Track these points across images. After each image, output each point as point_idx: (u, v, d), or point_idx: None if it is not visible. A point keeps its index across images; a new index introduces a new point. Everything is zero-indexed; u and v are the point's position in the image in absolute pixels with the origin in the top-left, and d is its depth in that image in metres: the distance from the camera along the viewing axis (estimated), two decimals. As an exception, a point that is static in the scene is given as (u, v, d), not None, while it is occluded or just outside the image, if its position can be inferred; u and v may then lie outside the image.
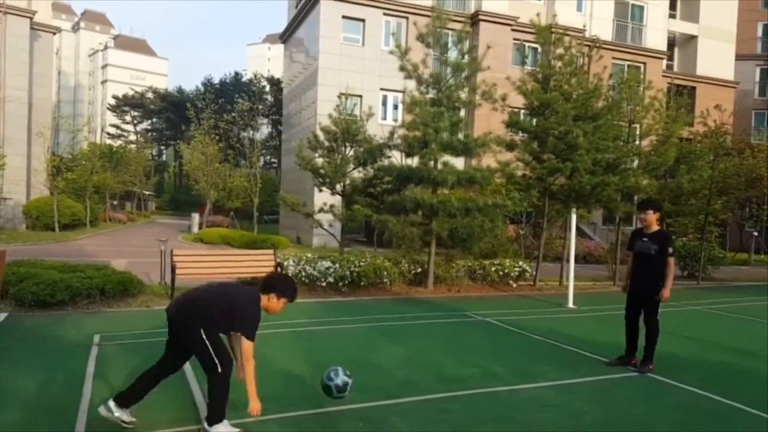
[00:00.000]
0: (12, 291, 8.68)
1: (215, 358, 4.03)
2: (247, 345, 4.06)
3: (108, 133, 73.38)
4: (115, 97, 77.66)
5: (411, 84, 13.41)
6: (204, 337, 4.03)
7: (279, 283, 4.34)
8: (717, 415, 5.17)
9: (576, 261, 12.67)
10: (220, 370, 4.03)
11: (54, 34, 30.18)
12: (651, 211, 6.54)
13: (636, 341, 6.62)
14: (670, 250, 6.41)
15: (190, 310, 4.13)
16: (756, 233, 28.72)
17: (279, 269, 11.10)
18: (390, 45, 22.26)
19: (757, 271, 22.44)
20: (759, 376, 6.54)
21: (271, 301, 4.21)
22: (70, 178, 29.30)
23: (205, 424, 4.15)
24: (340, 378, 4.55)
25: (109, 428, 4.23)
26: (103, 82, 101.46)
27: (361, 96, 24.90)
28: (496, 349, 7.44)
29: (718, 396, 5.59)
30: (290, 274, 11.42)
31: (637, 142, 15.52)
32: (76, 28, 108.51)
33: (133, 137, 73.20)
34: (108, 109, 79.98)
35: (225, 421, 4.13)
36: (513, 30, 28.05)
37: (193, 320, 4.07)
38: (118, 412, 4.18)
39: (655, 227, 6.58)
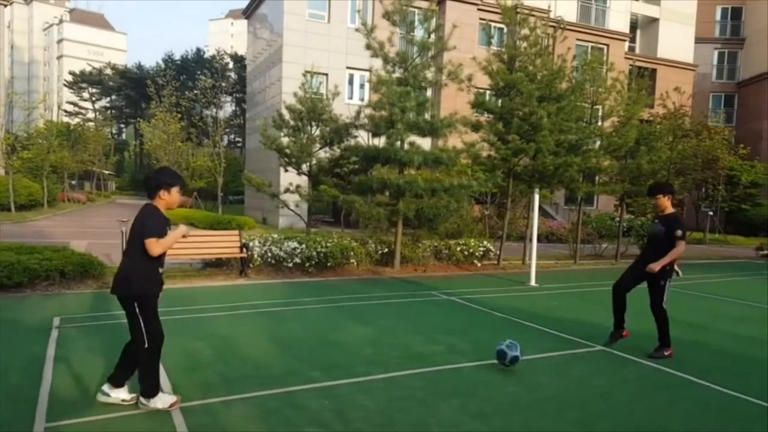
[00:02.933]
0: (-34, 273, 8.40)
1: (144, 332, 4.06)
2: (147, 243, 3.97)
3: (65, 111, 70.77)
4: (71, 73, 74.84)
5: (377, 63, 13.33)
6: (137, 310, 4.05)
7: (158, 178, 4.21)
8: (669, 386, 5.40)
9: (539, 240, 12.93)
10: (146, 345, 4.07)
11: (5, 6, 28.94)
12: (660, 195, 6.38)
13: (622, 314, 6.55)
14: (679, 232, 6.14)
15: (120, 280, 4.14)
16: (711, 213, 29.71)
17: (245, 250, 11.03)
18: (356, 22, 22.04)
19: (711, 249, 23.27)
20: (707, 349, 6.87)
21: (164, 198, 4.15)
22: (25, 157, 28.35)
23: (142, 399, 4.19)
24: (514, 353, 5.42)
25: (71, 413, 4.18)
26: (59, 57, 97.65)
27: (327, 74, 24.64)
28: (460, 327, 7.57)
29: (671, 369, 5.84)
30: (256, 255, 11.38)
31: (599, 123, 15.81)
32: (28, 0, 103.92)
33: (91, 115, 71.09)
34: (65, 85, 77.10)
35: (161, 394, 4.24)
36: (479, 10, 28.07)
37: (124, 289, 4.10)
38: (114, 393, 4.28)
39: (669, 210, 6.36)
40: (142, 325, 4.05)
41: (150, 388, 4.18)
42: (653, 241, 6.45)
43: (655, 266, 6.10)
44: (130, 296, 4.08)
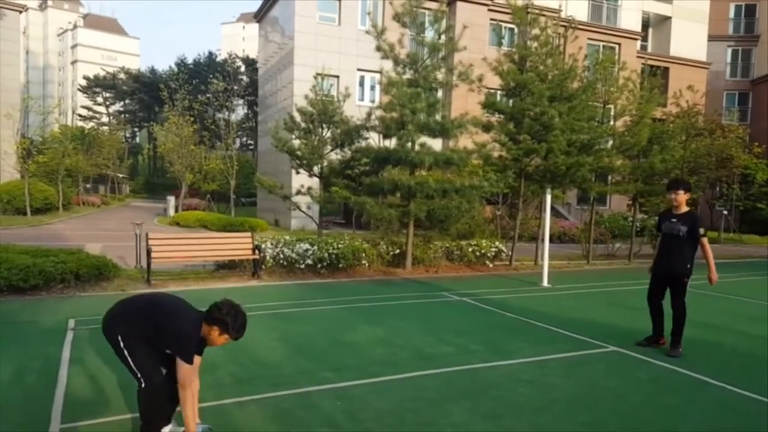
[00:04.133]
0: (-17, 276, 8.51)
1: (136, 370, 3.55)
2: (181, 369, 3.46)
3: (79, 115, 71.64)
4: (86, 77, 75.68)
5: (388, 64, 13.34)
6: (122, 345, 3.55)
7: (226, 317, 3.58)
8: (683, 386, 5.36)
9: (551, 240, 12.88)
10: (143, 384, 3.55)
11: (20, 12, 29.38)
12: (682, 191, 6.30)
13: (662, 322, 6.53)
14: (701, 231, 6.17)
15: (114, 317, 3.68)
16: (725, 212, 29.37)
17: (257, 252, 11.08)
18: (366, 24, 22.09)
19: (726, 248, 22.99)
20: (722, 349, 6.80)
21: (212, 333, 3.59)
22: (41, 161, 28.70)
23: None
24: None
25: (86, 414, 4.25)
26: (73, 62, 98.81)
27: (337, 76, 24.70)
28: (472, 328, 7.56)
29: (685, 369, 5.80)
30: (269, 257, 11.42)
31: (611, 123, 15.71)
32: (43, 6, 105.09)
33: (105, 119, 71.70)
34: (79, 90, 77.97)
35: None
36: (489, 10, 27.98)
37: (113, 325, 3.63)
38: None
39: (685, 208, 6.35)
40: (131, 363, 3.55)
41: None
42: (674, 240, 6.31)
43: (714, 275, 6.23)
44: (114, 334, 3.59)
